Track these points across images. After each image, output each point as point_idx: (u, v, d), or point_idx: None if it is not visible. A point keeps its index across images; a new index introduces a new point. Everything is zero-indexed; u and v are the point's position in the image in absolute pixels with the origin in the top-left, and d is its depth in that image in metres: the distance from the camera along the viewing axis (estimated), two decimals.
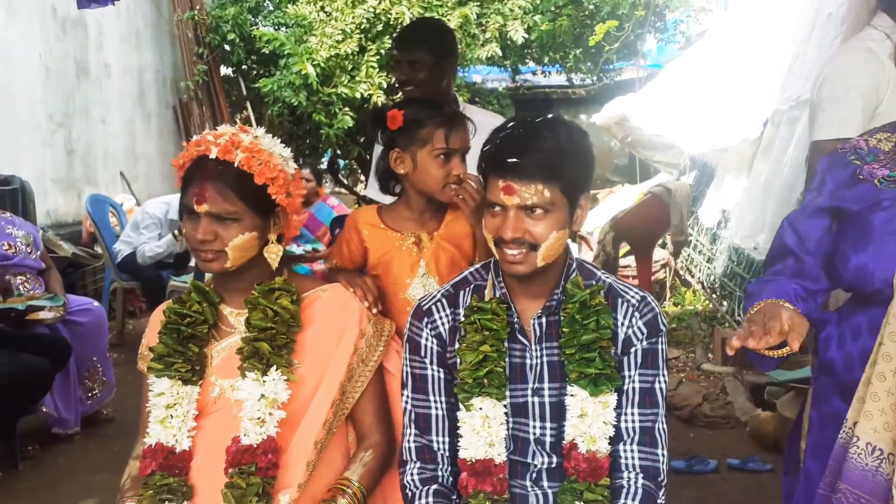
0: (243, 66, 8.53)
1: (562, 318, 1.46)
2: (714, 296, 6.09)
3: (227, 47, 8.19)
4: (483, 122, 2.40)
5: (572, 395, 1.43)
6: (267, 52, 7.76)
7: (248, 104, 8.49)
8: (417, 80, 2.52)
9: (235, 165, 1.42)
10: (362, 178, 10.40)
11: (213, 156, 1.41)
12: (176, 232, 5.04)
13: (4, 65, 5.49)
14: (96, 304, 3.97)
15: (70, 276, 5.19)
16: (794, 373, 3.56)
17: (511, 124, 1.44)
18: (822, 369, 1.42)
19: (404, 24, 7.15)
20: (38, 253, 3.76)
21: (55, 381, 3.37)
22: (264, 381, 1.40)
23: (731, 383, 4.39)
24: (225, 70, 8.64)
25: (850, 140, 1.47)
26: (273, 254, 1.48)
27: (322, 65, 7.09)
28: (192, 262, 5.11)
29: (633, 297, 1.49)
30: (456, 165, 1.76)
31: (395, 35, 2.77)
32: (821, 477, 1.39)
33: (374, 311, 1.65)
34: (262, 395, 1.39)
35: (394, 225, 1.83)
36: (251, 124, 8.29)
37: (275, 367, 1.41)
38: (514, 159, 1.36)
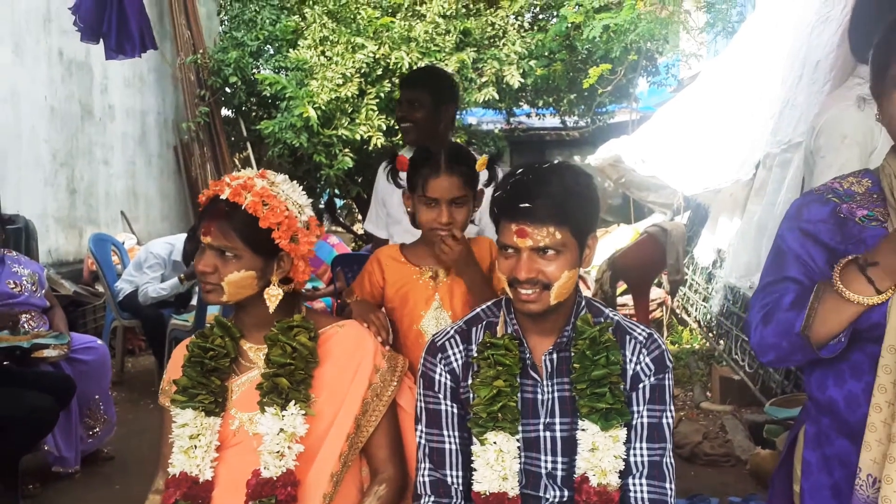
0: (244, 108, 8.68)
1: (572, 354, 1.51)
2: (711, 334, 6.13)
3: (228, 90, 8.34)
4: None
5: (583, 430, 1.48)
6: (268, 94, 7.92)
7: (249, 145, 8.61)
8: (414, 118, 2.66)
9: (242, 208, 1.49)
10: (360, 217, 10.48)
11: (224, 196, 1.49)
12: (182, 276, 5.08)
13: (11, 105, 5.59)
14: (99, 342, 3.99)
15: (71, 315, 5.20)
16: (792, 411, 3.59)
17: (520, 170, 1.51)
18: (822, 409, 1.43)
19: (404, 70, 7.35)
20: (43, 291, 3.80)
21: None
22: (283, 416, 1.44)
23: (730, 422, 4.41)
24: (226, 112, 8.78)
25: (824, 183, 1.50)
26: (272, 296, 1.53)
27: (323, 107, 7.23)
28: (194, 301, 5.14)
29: (640, 334, 1.55)
30: (440, 214, 1.83)
31: (401, 76, 2.90)
32: None
33: (387, 346, 1.70)
34: (281, 430, 1.44)
35: (414, 260, 1.93)
36: (251, 164, 8.40)
37: (293, 402, 1.46)
38: (526, 204, 1.43)
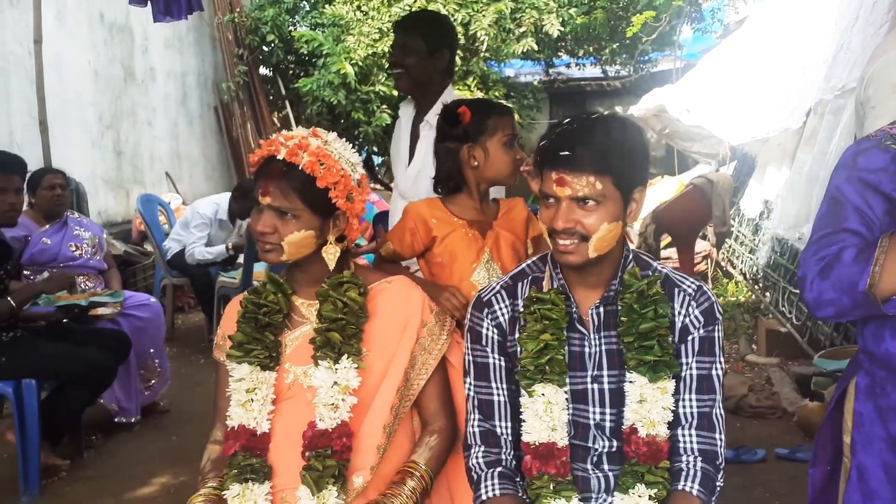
0: (282, 66, 8.69)
1: (620, 307, 1.51)
2: (757, 287, 6.05)
3: (265, 48, 8.35)
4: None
5: (631, 382, 1.48)
6: (305, 52, 7.91)
7: (287, 103, 8.64)
8: (405, 63, 2.52)
9: (300, 168, 1.50)
10: None
11: (280, 156, 1.50)
12: (230, 245, 5.18)
13: (56, 70, 5.69)
14: (153, 299, 4.13)
15: (122, 274, 5.36)
16: (841, 363, 3.54)
17: (567, 120, 1.49)
18: (876, 362, 1.41)
19: None
20: (102, 254, 3.95)
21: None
22: (336, 370, 1.48)
23: (777, 374, 4.37)
24: (264, 70, 8.81)
25: (881, 128, 1.45)
26: (330, 254, 1.55)
27: (360, 63, 7.20)
28: (240, 259, 5.25)
29: (689, 286, 1.53)
30: (518, 150, 1.92)
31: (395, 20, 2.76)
32: (875, 472, 1.41)
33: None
34: (335, 383, 1.47)
35: (458, 214, 1.93)
36: (290, 123, 8.44)
37: (346, 356, 1.49)
38: (566, 152, 1.41)
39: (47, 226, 3.79)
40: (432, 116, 2.56)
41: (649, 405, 1.46)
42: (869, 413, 1.44)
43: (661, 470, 1.45)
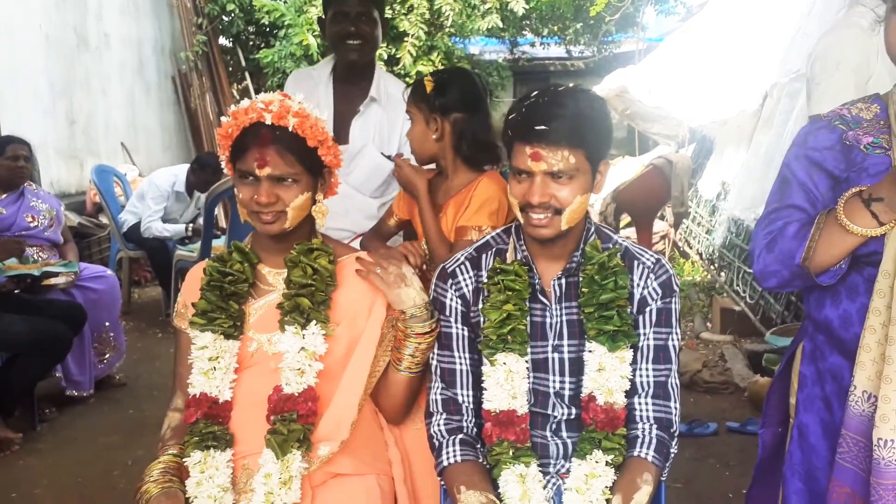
0: (242, 37, 8.51)
1: (581, 279, 1.53)
2: (712, 266, 6.19)
3: (225, 17, 8.16)
4: (395, 96, 2.47)
5: (591, 351, 1.51)
6: (266, 22, 7.76)
7: (248, 75, 8.47)
8: (364, 34, 2.39)
9: (290, 130, 1.48)
10: None
11: (268, 122, 1.46)
12: (189, 226, 5.13)
13: (6, 35, 5.48)
14: (109, 271, 4.05)
15: (77, 246, 5.24)
16: (791, 339, 3.65)
17: (535, 93, 1.50)
18: (818, 327, 1.48)
19: None
20: (60, 227, 3.87)
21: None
22: (304, 335, 1.48)
23: (730, 351, 4.50)
24: (224, 41, 8.62)
25: (833, 109, 1.50)
26: (321, 213, 1.56)
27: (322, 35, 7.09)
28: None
29: (648, 259, 1.57)
30: None
31: None
32: (814, 429, 1.48)
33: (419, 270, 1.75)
34: (302, 348, 1.47)
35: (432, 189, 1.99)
36: (250, 95, 8.28)
37: (314, 322, 1.48)
38: (542, 126, 1.42)
39: (3, 195, 3.68)
40: (380, 92, 2.49)
41: (608, 374, 1.50)
42: (811, 375, 1.51)
43: (618, 437, 1.49)
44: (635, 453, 1.48)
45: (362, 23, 2.38)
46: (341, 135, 2.44)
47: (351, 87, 2.49)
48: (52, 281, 3.57)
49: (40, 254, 3.73)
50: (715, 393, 3.97)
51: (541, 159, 1.43)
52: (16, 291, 3.40)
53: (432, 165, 2.02)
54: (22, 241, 3.46)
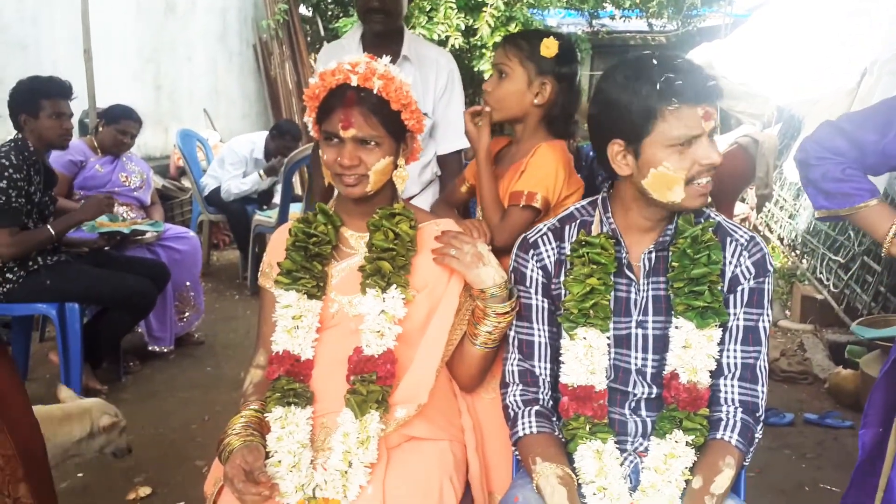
0: (321, 5, 8.57)
1: (671, 252, 1.49)
2: (794, 253, 5.95)
3: None
4: (429, 56, 2.54)
5: (677, 328, 1.47)
6: None
7: (326, 44, 8.55)
8: (387, 5, 2.46)
9: (375, 92, 1.47)
10: None
11: (353, 83, 1.46)
12: (262, 172, 5.21)
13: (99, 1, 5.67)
14: (191, 233, 4.20)
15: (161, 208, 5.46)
16: (881, 331, 3.48)
17: (657, 56, 1.43)
18: None
19: None
20: (150, 191, 4.06)
21: None
22: (384, 298, 1.49)
23: (810, 340, 4.33)
24: (304, 10, 8.70)
25: None
26: (401, 178, 1.55)
27: None
28: (276, 199, 5.27)
29: (742, 236, 1.51)
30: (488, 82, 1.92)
31: None
32: None
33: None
34: (383, 311, 1.48)
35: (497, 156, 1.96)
36: None
37: (394, 286, 1.49)
38: (712, 82, 1.39)
39: (102, 155, 3.92)
40: (411, 52, 2.56)
41: (693, 351, 1.45)
42: None
43: (700, 417, 1.45)
44: (718, 436, 1.44)
45: None
46: None
47: (380, 51, 2.51)
48: (140, 237, 3.74)
49: (129, 213, 3.92)
50: (792, 383, 3.83)
51: (711, 117, 1.40)
52: (106, 248, 3.56)
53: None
54: (112, 198, 3.62)
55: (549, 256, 1.57)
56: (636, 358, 1.52)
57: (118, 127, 3.90)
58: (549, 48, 1.82)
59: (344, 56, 2.48)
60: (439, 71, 2.59)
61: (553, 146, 1.86)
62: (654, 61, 1.41)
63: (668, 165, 1.40)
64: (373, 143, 1.49)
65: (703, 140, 1.39)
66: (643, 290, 1.51)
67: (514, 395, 1.55)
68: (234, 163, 5.29)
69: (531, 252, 1.58)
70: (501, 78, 1.86)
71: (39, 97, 3.08)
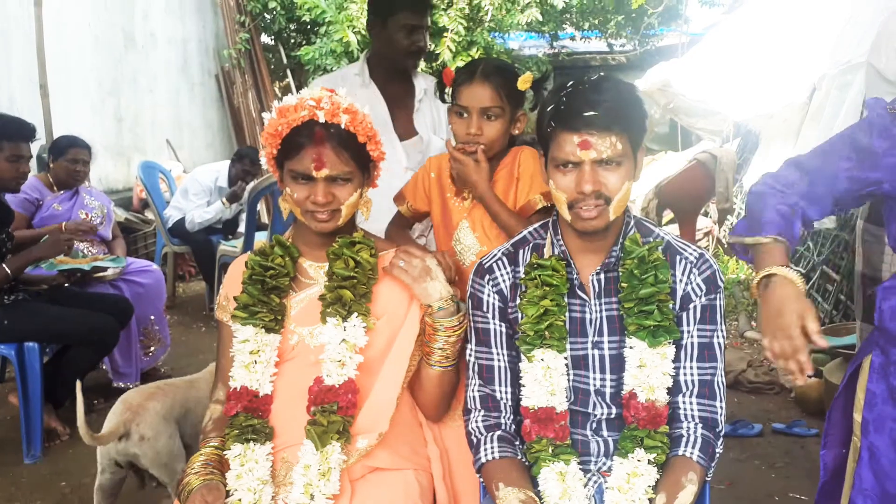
0: (283, 34, 8.61)
1: (620, 273, 1.51)
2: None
3: (267, 15, 8.26)
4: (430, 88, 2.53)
5: (631, 347, 1.48)
6: (307, 19, 7.82)
7: (289, 72, 8.56)
8: (425, 45, 2.49)
9: (342, 127, 1.47)
10: None
11: (321, 119, 1.45)
12: (224, 199, 5.18)
13: (57, 34, 5.63)
14: (154, 266, 4.15)
15: (124, 241, 5.38)
16: (842, 339, 3.55)
17: (570, 84, 1.45)
18: (891, 340, 1.40)
19: None
20: (111, 225, 4.00)
21: None
22: (345, 327, 1.48)
23: None
24: (266, 38, 8.72)
25: None
26: (367, 207, 1.56)
27: (362, 31, 7.13)
28: (241, 228, 5.24)
29: (691, 254, 1.53)
30: (470, 124, 1.83)
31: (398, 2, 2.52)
32: (887, 451, 1.41)
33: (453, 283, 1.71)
34: (343, 340, 1.47)
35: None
36: (291, 92, 8.37)
37: (355, 314, 1.49)
38: (591, 112, 1.38)
39: (59, 192, 3.84)
40: (423, 87, 2.59)
41: (649, 370, 1.47)
42: (882, 392, 1.43)
43: (660, 434, 1.46)
44: (680, 452, 1.45)
45: (425, 35, 2.46)
46: (408, 129, 2.52)
47: (394, 85, 2.55)
48: (101, 274, 3.67)
49: (90, 249, 3.86)
50: (760, 393, 3.88)
51: (590, 147, 1.39)
52: (66, 285, 3.50)
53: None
54: (71, 239, 3.56)
55: (504, 281, 1.58)
56: (594, 379, 1.53)
57: (67, 157, 3.82)
58: (526, 82, 1.85)
59: (353, 91, 2.38)
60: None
61: (527, 150, 1.91)
62: (569, 83, 1.44)
63: (553, 185, 1.46)
64: (344, 178, 1.49)
65: (584, 167, 1.40)
66: (596, 310, 1.53)
67: (476, 421, 1.55)
68: (197, 193, 5.25)
69: (486, 277, 1.59)
70: (492, 120, 1.84)
71: (22, 138, 3.05)
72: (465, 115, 1.82)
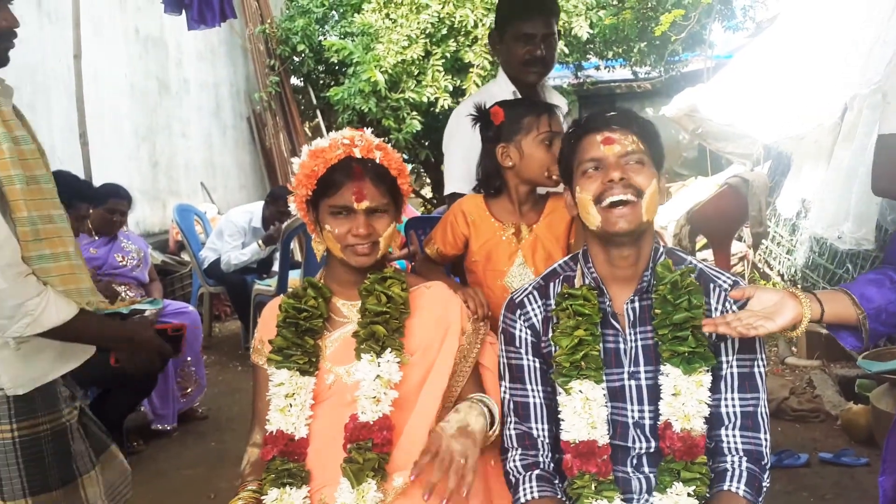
0: (312, 76, 8.77)
1: (654, 299, 1.49)
2: (796, 288, 5.92)
3: (296, 58, 8.44)
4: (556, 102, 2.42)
5: (665, 375, 1.46)
6: (335, 61, 7.98)
7: (319, 112, 8.71)
8: (548, 57, 2.33)
9: (377, 162, 1.53)
10: (427, 181, 10.51)
11: (357, 156, 1.52)
12: (260, 241, 5.25)
13: (94, 83, 5.81)
14: (191, 307, 4.21)
15: (160, 283, 5.47)
16: (888, 364, 3.45)
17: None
18: None
19: (469, 28, 7.23)
20: (147, 268, 4.08)
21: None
22: (379, 363, 1.49)
23: (819, 376, 4.28)
24: (295, 80, 8.90)
25: None
26: (395, 241, 1.59)
27: (389, 71, 7.24)
28: (275, 267, 5.30)
29: (725, 281, 1.51)
30: (553, 156, 1.82)
31: (513, 4, 2.43)
32: None
33: (484, 322, 1.71)
34: (378, 376, 1.48)
35: (497, 215, 1.91)
36: (321, 132, 8.52)
37: (389, 350, 1.50)
38: (611, 112, 1.47)
39: (97, 237, 3.94)
40: (565, 107, 2.48)
41: (683, 398, 1.44)
42: None
43: (698, 465, 1.43)
44: (725, 487, 1.42)
45: (547, 45, 2.33)
46: None
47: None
48: (139, 317, 3.73)
49: (128, 292, 3.92)
50: (804, 421, 3.77)
51: (613, 142, 1.45)
52: None
53: None
54: (114, 288, 3.63)
55: (535, 315, 1.57)
56: (632, 410, 1.50)
57: (106, 207, 3.91)
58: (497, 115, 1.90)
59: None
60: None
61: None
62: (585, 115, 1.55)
63: (579, 191, 1.49)
64: (382, 210, 1.54)
65: (610, 160, 1.46)
66: (631, 340, 1.51)
67: (515, 461, 1.53)
68: (232, 234, 5.34)
69: (518, 312, 1.59)
70: (553, 150, 1.83)
71: (79, 200, 3.28)
72: (554, 141, 1.83)
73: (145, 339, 1.94)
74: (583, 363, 1.48)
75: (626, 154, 1.45)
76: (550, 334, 1.54)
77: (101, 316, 1.75)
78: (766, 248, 6.76)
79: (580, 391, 1.48)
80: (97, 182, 5.08)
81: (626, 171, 1.44)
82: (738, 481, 1.41)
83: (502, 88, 2.41)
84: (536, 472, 1.51)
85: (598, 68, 10.54)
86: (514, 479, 1.51)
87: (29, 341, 1.56)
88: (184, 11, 3.82)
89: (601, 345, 1.51)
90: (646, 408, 1.50)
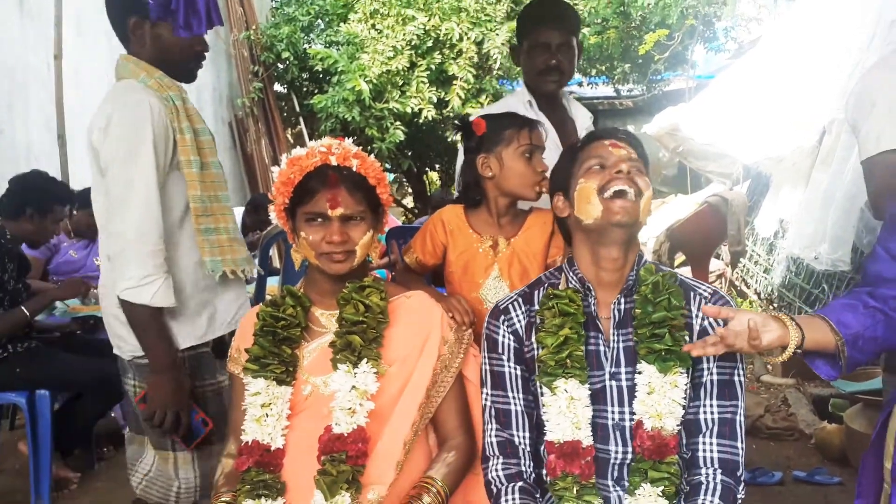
0: (296, 83, 8.76)
1: (635, 300, 1.51)
2: (772, 307, 5.99)
3: (280, 65, 8.43)
4: (580, 115, 2.49)
5: (640, 373, 1.47)
6: (320, 69, 7.97)
7: (301, 120, 8.69)
8: (564, 66, 2.34)
9: (353, 170, 1.52)
10: (409, 190, 10.51)
11: (333, 163, 1.51)
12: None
13: (74, 84, 5.75)
14: None
15: None
16: (862, 384, 3.49)
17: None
18: None
19: (454, 41, 7.27)
20: None
21: None
22: (355, 374, 1.47)
23: (793, 395, 4.32)
24: (279, 87, 8.88)
25: None
26: (375, 250, 1.57)
27: (374, 81, 7.24)
28: (254, 273, 5.24)
29: (704, 290, 1.54)
30: (539, 162, 1.84)
31: (530, 14, 2.46)
32: None
33: (469, 329, 1.70)
34: (354, 387, 1.46)
35: (476, 227, 1.90)
36: (304, 139, 8.50)
37: (365, 360, 1.48)
38: (623, 127, 1.58)
39: (76, 240, 3.87)
40: (574, 112, 2.51)
41: (657, 397, 1.44)
42: None
43: (667, 465, 1.42)
44: (699, 501, 1.42)
45: (563, 54, 2.34)
46: None
47: (553, 115, 2.44)
48: None
49: None
50: (779, 439, 3.80)
51: (620, 147, 1.52)
52: (78, 332, 3.50)
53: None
54: (87, 284, 3.58)
55: (519, 321, 1.58)
56: (612, 412, 1.50)
57: (88, 210, 3.87)
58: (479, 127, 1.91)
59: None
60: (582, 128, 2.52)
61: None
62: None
63: (583, 181, 1.52)
64: (358, 218, 1.52)
65: (612, 158, 1.52)
66: (613, 342, 1.52)
67: (497, 470, 1.52)
68: None
69: (502, 318, 1.59)
70: (544, 159, 1.86)
71: (54, 202, 3.11)
72: (534, 154, 1.85)
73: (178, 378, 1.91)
74: (568, 361, 1.48)
75: (631, 160, 1.51)
76: (534, 337, 1.54)
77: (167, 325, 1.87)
78: (744, 266, 6.83)
79: (565, 390, 1.47)
80: (74, 183, 5.02)
81: (631, 170, 1.50)
82: (713, 495, 1.41)
83: (518, 98, 2.45)
84: (520, 483, 1.49)
85: (580, 84, 10.63)
86: (495, 490, 1.50)
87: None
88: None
89: (584, 345, 1.51)
90: (626, 409, 1.49)
